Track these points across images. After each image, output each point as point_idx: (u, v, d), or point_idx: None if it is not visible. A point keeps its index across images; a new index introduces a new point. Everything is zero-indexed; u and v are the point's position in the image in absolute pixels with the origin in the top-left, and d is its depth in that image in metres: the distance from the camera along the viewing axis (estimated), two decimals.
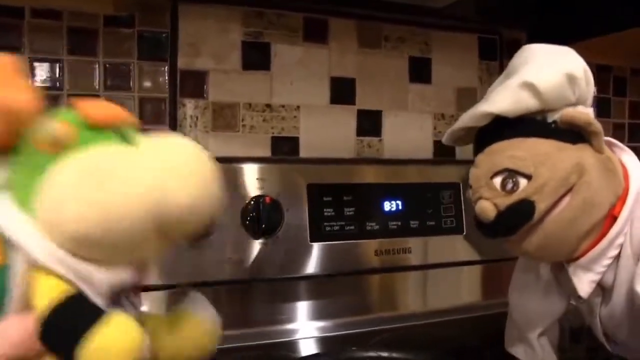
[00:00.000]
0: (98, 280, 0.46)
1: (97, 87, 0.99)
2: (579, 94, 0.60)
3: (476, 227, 0.63)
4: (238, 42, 1.08)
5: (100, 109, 0.49)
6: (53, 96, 0.96)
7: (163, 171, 0.46)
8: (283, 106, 1.11)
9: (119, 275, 0.48)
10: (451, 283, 1.16)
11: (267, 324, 1.00)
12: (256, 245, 0.96)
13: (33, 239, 0.45)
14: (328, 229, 1.01)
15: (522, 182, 0.58)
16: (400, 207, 1.07)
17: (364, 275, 1.08)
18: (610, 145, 0.65)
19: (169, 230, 0.47)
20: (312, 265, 1.00)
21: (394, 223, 1.06)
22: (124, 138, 0.48)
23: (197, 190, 0.47)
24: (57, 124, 0.46)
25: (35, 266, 0.45)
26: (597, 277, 0.62)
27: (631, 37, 1.20)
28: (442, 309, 1.14)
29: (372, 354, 0.73)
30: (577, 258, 0.62)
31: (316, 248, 1.00)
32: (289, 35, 1.11)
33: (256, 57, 1.09)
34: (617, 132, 1.52)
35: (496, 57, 1.29)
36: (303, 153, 1.12)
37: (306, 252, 0.99)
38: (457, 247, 1.11)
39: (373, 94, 1.19)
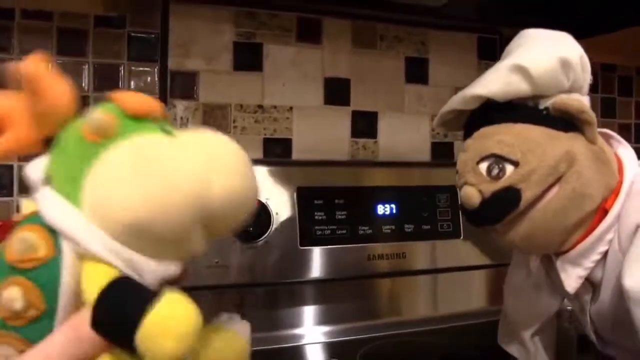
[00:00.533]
0: (148, 271, 0.45)
1: (85, 87, 0.98)
2: (574, 80, 0.58)
3: (462, 213, 0.62)
4: (229, 42, 1.06)
5: (138, 99, 0.49)
6: None
7: (207, 162, 0.46)
8: (275, 107, 1.10)
9: (168, 268, 0.47)
10: (449, 288, 1.14)
11: (255, 330, 0.98)
12: (244, 250, 0.94)
13: (83, 229, 0.44)
14: (319, 233, 0.99)
15: (509, 168, 0.57)
16: (395, 211, 1.05)
17: (357, 280, 1.06)
18: (607, 137, 0.64)
19: (212, 222, 0.47)
20: (302, 271, 0.98)
21: (389, 227, 1.04)
22: (164, 129, 0.49)
23: (238, 183, 0.47)
24: (101, 113, 0.46)
25: (85, 257, 0.44)
26: (584, 273, 0.60)
27: (635, 36, 1.18)
28: (440, 315, 1.12)
29: None
30: (566, 252, 0.60)
31: (307, 253, 0.98)
32: (282, 35, 1.09)
33: (248, 58, 1.08)
34: (623, 132, 1.49)
35: (496, 57, 1.25)
36: (296, 155, 1.11)
37: (296, 257, 0.98)
38: (453, 252, 1.08)
39: (368, 95, 1.17)
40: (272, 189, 0.97)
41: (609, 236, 0.58)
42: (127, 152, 0.45)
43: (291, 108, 1.11)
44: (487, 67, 1.22)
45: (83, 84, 0.98)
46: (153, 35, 1.02)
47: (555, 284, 0.67)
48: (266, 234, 0.95)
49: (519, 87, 0.57)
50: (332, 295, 1.04)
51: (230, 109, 1.07)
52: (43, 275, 0.43)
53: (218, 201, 0.45)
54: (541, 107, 0.59)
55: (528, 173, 0.55)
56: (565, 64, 0.57)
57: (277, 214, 0.96)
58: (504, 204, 0.56)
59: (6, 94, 0.49)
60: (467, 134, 0.63)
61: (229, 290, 0.97)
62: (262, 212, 0.94)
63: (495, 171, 0.57)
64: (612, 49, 1.35)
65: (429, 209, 1.07)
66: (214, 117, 1.05)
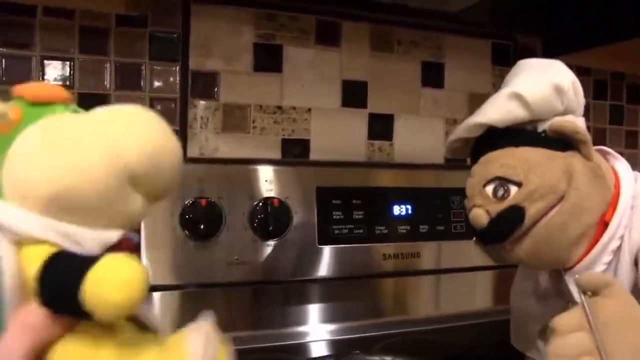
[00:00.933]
0: (87, 239, 0.45)
1: (107, 86, 0.99)
2: (567, 104, 0.62)
3: (474, 235, 0.65)
4: (250, 43, 1.08)
5: (38, 86, 0.49)
6: None
7: (119, 124, 0.46)
8: (294, 108, 1.11)
9: (109, 235, 0.47)
10: (461, 288, 1.15)
11: (274, 326, 1.00)
12: (264, 247, 0.95)
13: (10, 214, 0.44)
14: (337, 232, 1.00)
15: (513, 189, 0.60)
16: (410, 212, 1.06)
17: (372, 279, 1.07)
18: (603, 153, 0.67)
19: (141, 182, 0.47)
20: (320, 268, 1.00)
21: (404, 227, 1.06)
22: (73, 110, 0.49)
23: (154, 137, 0.46)
24: (3, 106, 0.46)
25: (23, 242, 0.44)
26: None
27: None
28: (451, 314, 1.13)
29: (375, 357, 0.72)
30: (573, 266, 0.62)
31: (325, 251, 1.00)
32: (301, 37, 1.11)
33: (268, 59, 1.09)
34: (629, 139, 1.51)
35: (510, 63, 1.27)
36: (313, 156, 1.12)
37: (314, 255, 0.99)
38: (467, 252, 1.10)
39: (385, 98, 1.18)
40: (291, 189, 0.98)
41: (613, 246, 0.61)
42: (36, 131, 0.45)
43: (309, 109, 1.12)
44: (500, 72, 1.26)
45: (105, 83, 0.99)
46: (175, 35, 1.03)
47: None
48: (285, 232, 0.96)
49: (516, 113, 0.61)
50: (349, 292, 1.05)
51: (249, 110, 1.08)
52: None
53: (136, 157, 0.45)
54: (539, 130, 0.62)
55: (531, 192, 0.59)
56: (558, 90, 0.61)
57: (296, 213, 0.97)
58: (510, 221, 0.59)
59: None
60: (474, 161, 0.66)
61: (249, 287, 0.98)
62: (282, 211, 0.96)
63: (500, 192, 0.60)
64: (621, 58, 1.37)
65: (443, 210, 1.09)
66: (234, 117, 1.07)
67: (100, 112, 0.48)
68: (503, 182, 0.60)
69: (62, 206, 0.44)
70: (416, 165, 1.12)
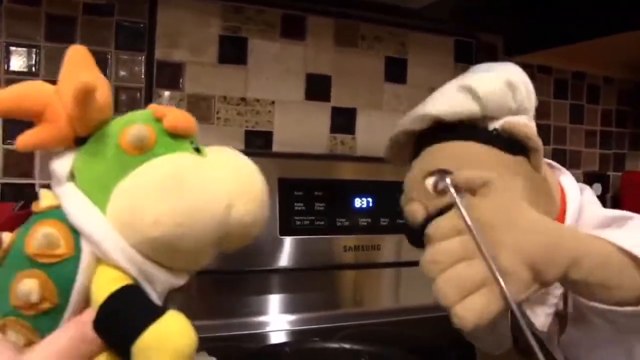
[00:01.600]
0: (159, 281, 0.47)
1: None
2: (520, 103, 0.58)
3: (405, 235, 0.60)
4: (216, 35, 1.09)
5: (181, 117, 0.50)
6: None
7: (232, 186, 0.48)
8: (258, 100, 1.12)
9: (178, 279, 0.49)
10: (421, 282, 1.15)
11: (234, 315, 1.01)
12: None
13: (105, 233, 0.45)
14: (298, 223, 1.02)
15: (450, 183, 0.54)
16: (371, 205, 1.08)
17: (333, 270, 1.09)
18: (548, 165, 0.64)
19: (226, 243, 0.49)
20: (281, 259, 1.01)
21: (364, 220, 1.08)
22: (194, 147, 0.50)
23: (256, 209, 0.49)
24: (144, 128, 0.47)
25: (102, 260, 0.46)
26: (551, 310, 0.59)
27: (604, 46, 1.23)
28: (411, 307, 1.15)
29: (334, 345, 0.73)
30: None
31: (286, 242, 1.01)
32: (267, 30, 1.12)
33: (233, 52, 1.10)
34: (589, 138, 1.55)
35: (472, 61, 1.31)
36: (276, 148, 1.13)
37: (276, 246, 1.00)
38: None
39: (348, 92, 1.20)
40: None
41: None
42: (161, 170, 0.46)
43: (273, 102, 1.13)
44: (463, 69, 1.26)
45: None
46: (141, 25, 1.03)
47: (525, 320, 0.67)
48: None
49: (466, 106, 0.57)
50: (309, 283, 1.07)
51: (214, 101, 1.09)
52: (60, 272, 0.44)
53: (237, 224, 0.48)
54: (490, 128, 0.58)
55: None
56: (510, 85, 0.57)
57: None
58: None
59: (49, 86, 0.49)
60: (415, 156, 0.61)
61: (209, 276, 0.99)
62: None
63: (441, 186, 0.54)
64: (582, 58, 1.40)
65: None
66: (199, 108, 1.08)
67: (218, 162, 0.50)
68: (444, 175, 0.54)
69: (157, 249, 0.46)
70: (378, 158, 1.13)
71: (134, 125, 0.47)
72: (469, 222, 0.46)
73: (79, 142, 0.48)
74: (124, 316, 0.44)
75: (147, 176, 0.46)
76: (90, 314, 0.45)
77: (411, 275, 1.16)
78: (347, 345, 0.74)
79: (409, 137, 0.63)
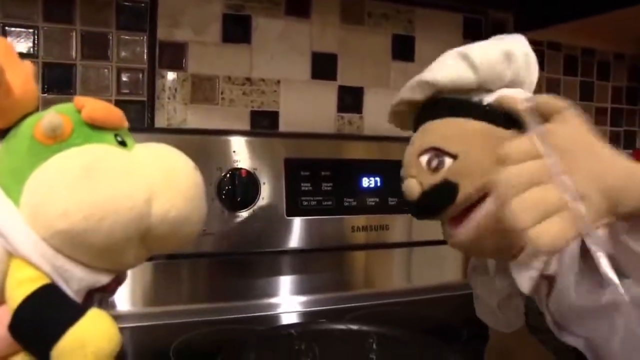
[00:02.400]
0: (75, 278, 0.46)
1: (73, 55, 0.97)
2: (517, 74, 0.58)
3: (408, 206, 0.61)
4: (219, 14, 1.06)
5: (99, 108, 0.49)
6: None
7: (153, 180, 0.47)
8: (263, 80, 1.10)
9: (98, 278, 0.48)
10: (430, 261, 1.16)
11: (243, 297, 1.00)
12: (232, 219, 0.95)
13: (17, 228, 0.44)
14: (305, 203, 1.00)
15: (448, 161, 0.56)
16: (379, 184, 1.07)
17: (342, 251, 1.08)
18: None
19: (152, 241, 0.48)
20: (289, 240, 0.99)
21: (372, 200, 1.06)
22: (119, 140, 0.49)
23: (181, 205, 0.48)
24: (58, 117, 0.46)
25: (14, 255, 0.44)
26: (536, 274, 0.58)
27: (613, 21, 1.21)
28: (420, 287, 1.14)
29: (341, 326, 0.72)
30: (516, 255, 0.58)
31: (293, 223, 0.99)
32: (271, 8, 1.10)
33: (237, 30, 1.08)
34: (599, 116, 1.53)
35: (481, 38, 1.27)
36: (282, 128, 1.12)
37: (283, 227, 0.99)
38: (436, 225, 1.10)
39: (355, 71, 1.18)
40: (259, 160, 0.98)
41: None
42: (74, 160, 0.45)
43: (279, 81, 1.12)
44: None
45: (71, 52, 0.97)
46: (142, 5, 1.01)
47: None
48: (254, 204, 0.96)
49: (462, 73, 0.57)
50: (317, 264, 1.06)
51: (218, 81, 1.07)
52: None
53: (156, 220, 0.46)
54: (484, 103, 0.58)
55: (466, 167, 0.55)
56: (508, 56, 0.57)
57: (264, 184, 0.97)
58: (441, 197, 0.56)
59: None
60: (415, 129, 0.63)
61: (217, 258, 0.98)
62: (250, 182, 0.95)
63: (434, 163, 0.56)
64: (592, 33, 1.38)
65: None
66: (202, 89, 1.06)
67: (142, 156, 0.49)
68: (438, 153, 0.56)
69: (68, 242, 0.44)
70: (386, 137, 1.12)
71: (48, 114, 0.47)
72: (545, 148, 0.46)
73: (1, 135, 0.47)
74: (41, 320, 0.43)
75: (59, 166, 0.45)
76: (4, 313, 0.43)
77: (421, 255, 1.15)
78: (354, 327, 0.73)
79: (411, 106, 0.64)
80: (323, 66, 1.15)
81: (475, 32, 1.29)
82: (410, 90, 0.62)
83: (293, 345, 0.67)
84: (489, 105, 0.58)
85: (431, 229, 1.06)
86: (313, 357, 0.67)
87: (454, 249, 0.62)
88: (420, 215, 0.60)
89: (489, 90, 0.58)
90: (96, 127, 0.48)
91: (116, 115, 0.51)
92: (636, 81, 1.59)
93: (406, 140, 1.11)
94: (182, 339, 0.84)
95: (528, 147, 0.47)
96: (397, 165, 1.06)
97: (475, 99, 0.59)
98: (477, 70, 0.57)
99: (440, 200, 0.56)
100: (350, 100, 1.18)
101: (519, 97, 0.57)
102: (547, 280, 0.61)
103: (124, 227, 0.45)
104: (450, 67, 0.58)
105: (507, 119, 0.57)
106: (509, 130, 0.57)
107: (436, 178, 0.56)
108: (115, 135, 0.49)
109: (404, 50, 1.22)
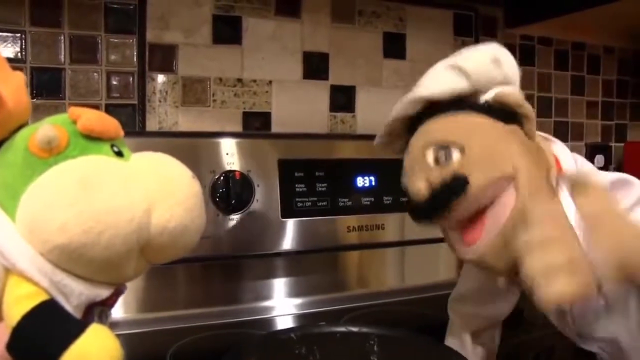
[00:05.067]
0: (74, 293, 0.45)
1: (62, 59, 0.96)
2: (505, 74, 0.58)
3: (410, 215, 0.59)
4: (208, 15, 1.06)
5: (95, 118, 0.48)
6: (15, 69, 0.92)
7: (151, 191, 0.46)
8: (255, 81, 1.10)
9: (98, 292, 0.47)
10: (426, 260, 1.16)
11: (240, 301, 1.00)
12: (227, 222, 0.94)
13: (13, 243, 0.43)
14: (300, 205, 0.99)
15: (455, 154, 0.54)
16: (373, 183, 1.06)
17: (337, 252, 1.07)
18: (541, 138, 0.62)
19: (152, 252, 0.47)
20: (284, 242, 0.99)
21: (367, 199, 1.05)
22: (115, 150, 0.48)
23: (180, 215, 0.47)
24: (52, 129, 0.45)
25: (11, 271, 0.43)
26: None
27: (603, 15, 1.21)
28: (417, 286, 1.14)
29: (341, 328, 0.71)
30: None
31: (288, 224, 0.99)
32: (261, 9, 1.09)
33: (227, 31, 1.07)
34: (590, 109, 1.53)
35: (471, 34, 1.28)
36: (275, 128, 1.11)
37: (278, 229, 0.98)
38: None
39: (346, 70, 1.17)
40: (253, 162, 0.97)
41: None
42: (71, 173, 0.44)
43: (270, 82, 1.11)
44: (462, 43, 1.25)
45: (59, 56, 0.96)
46: (131, 7, 1.00)
47: (515, 295, 0.67)
48: (248, 206, 0.95)
49: (457, 83, 0.56)
50: (313, 266, 1.06)
51: (209, 83, 1.06)
52: None
53: (156, 232, 0.45)
54: (481, 101, 0.58)
55: (474, 159, 0.54)
56: (495, 59, 0.57)
57: (258, 186, 0.96)
58: (453, 190, 0.53)
59: None
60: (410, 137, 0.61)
61: (212, 262, 0.97)
62: (244, 184, 0.95)
63: (442, 157, 0.54)
64: (582, 28, 1.38)
65: None
66: (194, 91, 1.05)
67: (138, 166, 0.48)
68: (444, 146, 0.54)
69: (66, 257, 0.43)
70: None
71: (42, 127, 0.45)
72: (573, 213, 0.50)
73: None
74: (41, 338, 0.42)
75: (55, 180, 0.44)
76: (2, 331, 0.42)
77: (416, 254, 1.14)
78: (354, 329, 0.72)
79: (404, 124, 0.62)
80: (315, 66, 1.15)
81: (465, 29, 1.29)
82: (405, 108, 0.60)
83: (293, 349, 0.66)
84: (486, 102, 0.57)
85: (424, 227, 1.06)
86: None
87: (468, 262, 0.60)
88: (430, 215, 0.57)
89: (483, 92, 0.58)
90: (92, 138, 0.47)
91: (112, 125, 0.49)
92: (626, 74, 1.60)
93: None
94: (179, 344, 0.83)
95: (557, 212, 0.49)
96: (392, 163, 1.06)
97: (471, 99, 0.58)
98: (470, 76, 0.56)
99: (453, 195, 0.53)
100: (343, 99, 1.17)
101: (517, 93, 0.57)
102: None
103: (124, 240, 0.44)
104: (444, 79, 0.57)
105: (504, 114, 0.57)
106: (509, 125, 0.56)
107: (445, 173, 0.54)
108: (112, 146, 0.48)
109: (396, 48, 1.22)
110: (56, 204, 0.43)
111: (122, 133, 0.51)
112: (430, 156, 0.55)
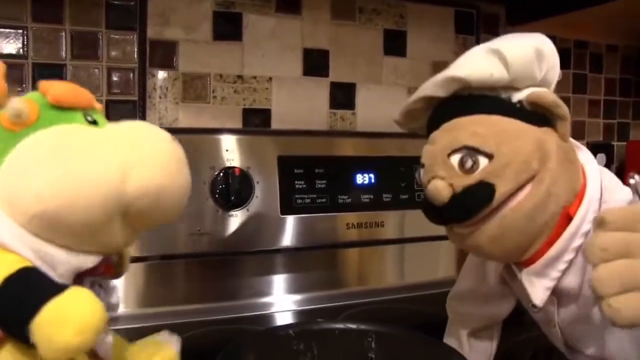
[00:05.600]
0: (60, 262, 0.44)
1: (63, 55, 0.96)
2: (546, 73, 0.56)
3: (424, 211, 0.58)
4: (209, 12, 1.06)
5: (64, 89, 0.48)
6: (17, 65, 0.93)
7: (127, 154, 0.45)
8: (255, 77, 1.10)
9: (84, 260, 0.46)
10: (425, 257, 1.16)
11: (238, 297, 1.00)
12: (226, 218, 0.94)
13: None
14: (299, 201, 1.00)
15: (483, 161, 0.53)
16: (373, 181, 1.06)
17: (336, 249, 1.07)
18: None
19: (135, 217, 0.46)
20: (283, 239, 0.99)
21: (367, 196, 1.05)
22: (89, 120, 0.48)
23: (159, 177, 0.45)
24: (21, 101, 0.45)
25: None
26: (552, 284, 0.57)
27: (606, 13, 1.20)
28: (416, 283, 1.14)
29: (339, 325, 0.71)
30: (529, 262, 0.57)
31: (287, 221, 0.99)
32: (261, 5, 1.09)
33: (227, 28, 1.07)
34: (592, 108, 1.53)
35: (473, 32, 1.28)
36: (275, 125, 1.11)
37: (277, 225, 0.98)
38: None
39: (347, 67, 1.17)
40: (252, 158, 0.97)
41: (576, 243, 0.55)
42: (41, 142, 0.44)
43: (270, 78, 1.11)
44: (464, 41, 1.25)
45: (61, 52, 0.96)
46: (132, 3, 1.00)
47: (521, 297, 0.65)
48: (247, 203, 0.95)
49: (494, 70, 0.55)
50: (312, 263, 1.06)
51: (209, 79, 1.06)
52: None
53: (134, 194, 0.44)
54: (514, 100, 0.56)
55: (502, 167, 0.52)
56: (539, 54, 0.55)
57: (258, 182, 0.96)
58: (477, 199, 0.53)
59: None
60: (434, 127, 0.59)
61: (211, 259, 0.97)
62: (243, 181, 0.95)
63: (469, 164, 0.53)
64: (585, 26, 1.37)
65: (407, 179, 1.08)
66: (194, 87, 1.05)
67: (114, 131, 0.47)
68: (472, 152, 0.53)
69: (45, 226, 0.43)
70: (379, 134, 1.11)
71: (11, 101, 0.45)
72: None
73: None
74: (19, 299, 0.41)
75: (27, 150, 0.44)
76: None
77: (415, 251, 1.14)
78: (352, 325, 0.72)
79: (428, 103, 0.60)
80: (315, 63, 1.14)
81: (467, 26, 1.28)
82: (435, 87, 0.58)
83: (291, 346, 0.66)
84: (519, 103, 0.56)
85: (425, 224, 1.06)
86: (312, 357, 0.67)
87: (466, 249, 0.60)
88: (450, 219, 0.56)
89: (517, 89, 0.56)
90: (64, 109, 0.47)
91: (84, 95, 0.49)
92: (629, 73, 1.59)
93: (399, 135, 1.12)
94: None
95: (629, 219, 0.46)
96: (391, 161, 1.07)
97: (504, 95, 0.56)
98: (510, 67, 0.54)
99: (478, 202, 0.53)
100: (342, 96, 1.17)
101: (552, 95, 0.55)
102: (555, 296, 0.59)
103: (101, 204, 0.43)
104: (481, 63, 0.55)
105: (537, 117, 0.55)
106: (541, 128, 0.55)
107: (470, 179, 0.53)
108: (85, 115, 0.48)
109: (396, 46, 1.22)
110: (30, 173, 0.43)
111: (97, 104, 0.51)
112: (456, 159, 0.54)
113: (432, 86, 0.58)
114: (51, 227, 0.43)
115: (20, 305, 0.41)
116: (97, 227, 0.44)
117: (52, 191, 0.42)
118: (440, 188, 0.54)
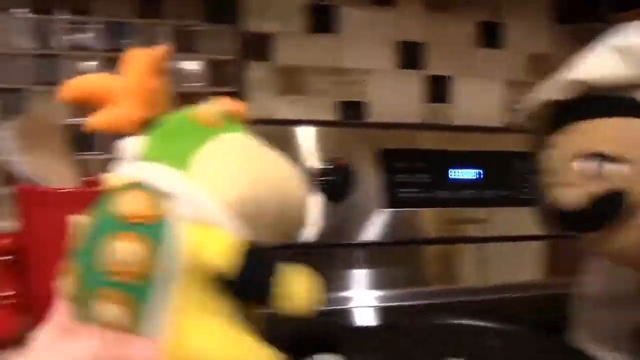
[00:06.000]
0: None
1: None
2: None
3: (546, 218, 0.58)
4: (303, 5, 1.05)
5: (236, 105, 0.56)
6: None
7: (288, 168, 0.54)
8: (350, 70, 1.08)
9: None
10: (529, 257, 1.10)
11: (337, 290, 0.97)
12: (327, 211, 0.93)
13: (197, 194, 0.47)
14: (401, 195, 0.97)
15: (612, 168, 0.51)
16: (473, 176, 1.02)
17: (436, 245, 1.03)
18: None
19: (284, 221, 0.53)
20: (384, 233, 0.96)
21: (468, 192, 1.02)
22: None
23: (305, 195, 0.55)
24: (214, 105, 0.54)
25: (195, 221, 0.47)
26: None
27: None
28: (517, 283, 1.08)
29: (457, 321, 0.69)
30: None
31: (386, 215, 0.96)
32: None
33: (322, 21, 1.06)
34: None
35: (575, 21, 1.22)
36: (372, 118, 1.10)
37: (376, 219, 0.96)
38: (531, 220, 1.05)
39: (442, 59, 1.15)
40: (353, 151, 0.95)
41: None
42: (236, 143, 0.52)
43: (366, 71, 1.10)
44: (566, 32, 1.19)
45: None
46: None
47: None
48: (349, 196, 0.93)
49: (623, 71, 0.52)
50: (410, 257, 1.02)
51: (305, 72, 1.06)
52: (154, 233, 0.45)
53: (294, 201, 0.53)
54: (639, 99, 0.53)
55: (635, 173, 0.50)
56: None
57: (358, 175, 0.94)
58: (609, 208, 0.51)
59: (109, 75, 0.54)
60: (554, 129, 0.57)
61: (312, 251, 0.95)
62: (345, 174, 0.93)
63: (600, 170, 0.51)
64: None
65: (511, 174, 1.04)
66: (290, 80, 1.05)
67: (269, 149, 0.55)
68: (601, 158, 0.51)
69: (237, 207, 0.48)
70: (479, 127, 1.07)
71: (205, 104, 0.54)
72: None
73: (144, 128, 0.52)
74: (257, 278, 0.47)
75: (223, 146, 0.50)
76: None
77: (520, 250, 1.08)
78: (470, 322, 0.69)
79: (548, 106, 0.58)
80: (410, 55, 1.12)
81: (570, 15, 1.22)
82: (558, 91, 0.56)
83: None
84: None
85: (528, 223, 1.01)
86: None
87: (605, 258, 0.57)
88: (580, 228, 0.55)
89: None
90: (235, 120, 0.55)
91: (245, 111, 0.57)
92: None
93: (500, 130, 1.07)
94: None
95: None
96: (494, 156, 1.03)
97: (627, 95, 0.53)
98: (638, 64, 0.51)
99: (612, 211, 0.51)
100: (438, 89, 1.15)
101: None
102: None
103: (276, 199, 0.50)
104: (607, 63, 0.53)
105: None
106: None
107: (602, 186, 0.51)
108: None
109: (492, 37, 1.18)
110: (228, 163, 0.49)
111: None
112: (584, 166, 0.52)
113: (554, 90, 0.57)
114: (241, 209, 0.48)
115: (260, 283, 0.47)
116: (279, 219, 0.51)
117: (248, 178, 0.49)
118: (569, 195, 0.53)
